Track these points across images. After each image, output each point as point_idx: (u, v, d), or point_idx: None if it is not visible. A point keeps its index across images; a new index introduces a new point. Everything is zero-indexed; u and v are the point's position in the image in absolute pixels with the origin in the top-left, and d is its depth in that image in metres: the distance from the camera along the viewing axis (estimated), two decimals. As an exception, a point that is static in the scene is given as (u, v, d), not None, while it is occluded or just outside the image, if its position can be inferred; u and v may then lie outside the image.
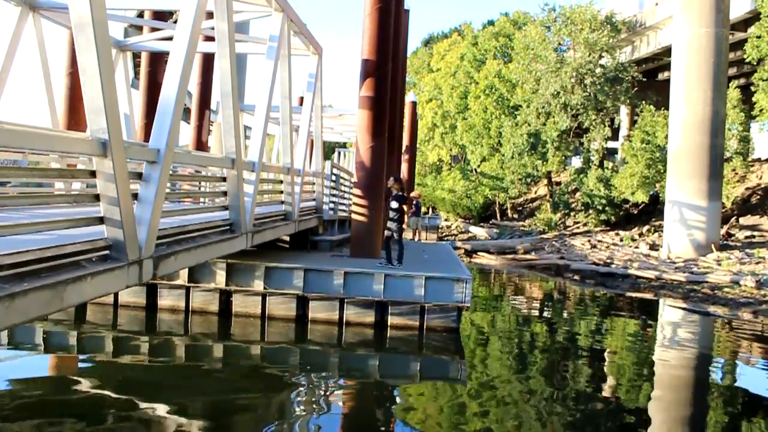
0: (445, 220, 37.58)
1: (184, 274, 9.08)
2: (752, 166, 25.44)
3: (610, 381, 7.66)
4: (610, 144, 33.37)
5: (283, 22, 9.01)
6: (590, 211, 27.41)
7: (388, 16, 10.85)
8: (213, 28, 7.09)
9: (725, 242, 20.58)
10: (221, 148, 7.68)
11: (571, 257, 21.14)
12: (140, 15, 13.95)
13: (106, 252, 4.66)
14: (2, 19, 8.62)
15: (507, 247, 24.02)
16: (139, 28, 15.00)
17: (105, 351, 7.80)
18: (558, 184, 33.91)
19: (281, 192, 10.23)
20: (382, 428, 5.62)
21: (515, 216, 35.45)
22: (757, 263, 17.41)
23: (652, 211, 25.76)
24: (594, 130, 29.40)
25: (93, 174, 4.48)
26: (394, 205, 9.76)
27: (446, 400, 6.50)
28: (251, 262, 9.06)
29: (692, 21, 19.92)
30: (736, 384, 7.87)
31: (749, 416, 6.44)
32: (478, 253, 23.71)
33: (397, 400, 6.51)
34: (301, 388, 6.63)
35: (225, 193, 7.48)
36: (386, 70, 10.92)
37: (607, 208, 26.45)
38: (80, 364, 7.24)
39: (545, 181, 33.59)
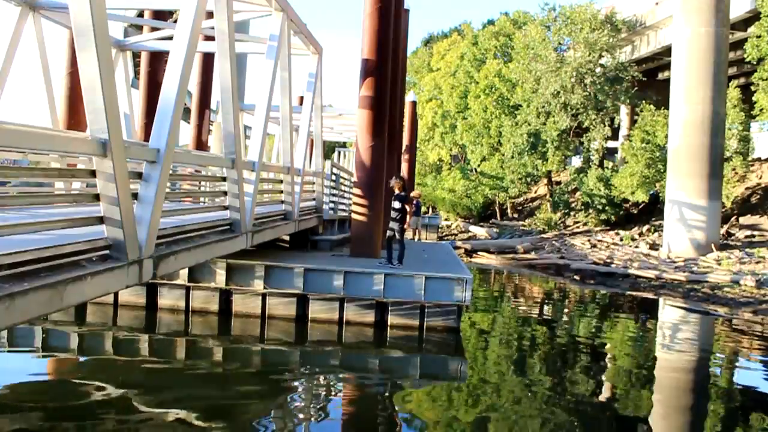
0: (445, 219, 37.59)
1: (184, 273, 9.08)
2: (752, 165, 25.43)
3: (610, 380, 7.67)
4: (610, 144, 33.36)
5: (283, 22, 9.01)
6: (590, 211, 27.41)
7: (388, 16, 10.85)
8: (213, 28, 7.09)
9: (725, 242, 20.58)
10: (221, 147, 7.69)
11: (571, 257, 21.14)
12: (140, 15, 13.95)
13: (106, 252, 4.66)
14: (2, 19, 8.63)
15: (507, 247, 24.02)
16: (139, 28, 15.01)
17: (105, 351, 7.81)
18: (558, 183, 33.91)
19: (281, 192, 10.23)
20: (382, 428, 5.62)
21: (515, 215, 35.45)
22: (757, 263, 17.41)
23: (652, 211, 25.76)
24: (594, 129, 29.40)
25: (93, 174, 4.48)
26: (396, 205, 9.75)
27: (446, 400, 6.50)
28: (251, 262, 9.06)
29: (692, 21, 19.91)
30: (735, 383, 7.87)
31: (749, 416, 6.44)
32: (478, 252, 23.71)
33: (397, 399, 6.51)
34: (301, 388, 6.64)
35: (225, 193, 7.49)
36: (386, 70, 10.92)
37: (607, 208, 26.44)
38: (80, 364, 7.24)
39: (545, 181, 33.60)
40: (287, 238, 11.71)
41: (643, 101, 26.93)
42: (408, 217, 9.79)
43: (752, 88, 21.81)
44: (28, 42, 8.45)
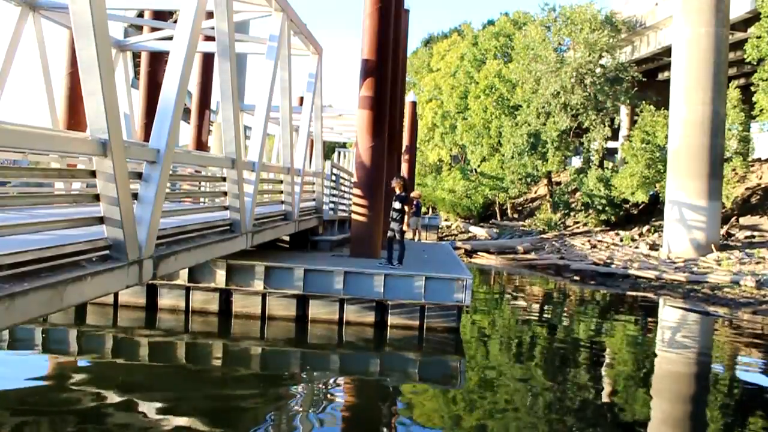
0: (445, 220, 37.58)
1: (184, 274, 9.08)
2: (752, 166, 25.44)
3: (610, 381, 7.66)
4: (610, 144, 33.38)
5: (283, 22, 9.01)
6: (590, 211, 27.41)
7: (388, 16, 10.85)
8: (213, 28, 7.09)
9: (725, 242, 20.58)
10: (221, 148, 7.68)
11: (571, 257, 21.14)
12: (140, 15, 13.95)
13: (106, 252, 4.66)
14: (2, 19, 8.63)
15: (507, 247, 24.02)
16: (139, 28, 15.00)
17: (105, 351, 7.80)
18: (558, 184, 33.91)
19: (281, 192, 10.23)
20: (382, 428, 5.62)
21: (515, 216, 35.45)
22: (757, 263, 17.41)
23: (652, 211, 25.76)
24: (594, 130, 29.41)
25: (93, 174, 4.48)
26: (396, 205, 9.75)
27: (446, 400, 6.50)
28: (251, 262, 9.05)
29: (692, 21, 19.92)
30: (736, 383, 7.87)
31: (749, 416, 6.44)
32: (478, 253, 23.71)
33: (397, 399, 6.51)
34: (301, 388, 6.63)
35: (225, 193, 7.48)
36: (386, 70, 10.92)
37: (607, 208, 26.45)
38: (80, 364, 7.23)
39: (545, 181, 33.60)
40: (287, 238, 11.71)
41: (643, 101, 26.94)
42: (407, 217, 9.77)
43: (752, 88, 21.81)
44: (28, 42, 8.45)
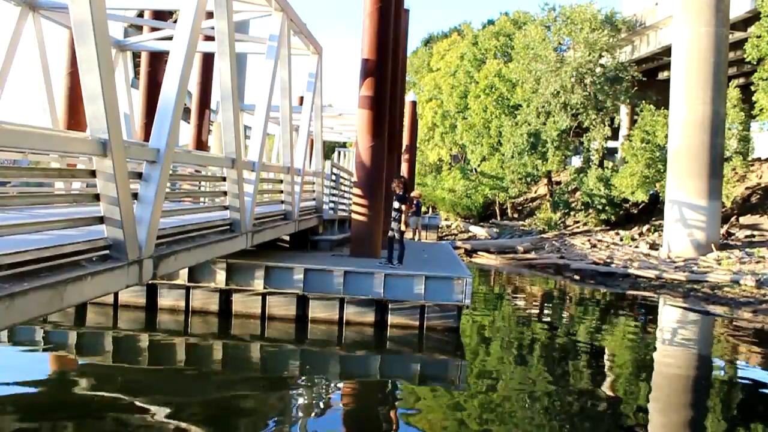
0: (445, 219, 37.58)
1: (184, 273, 9.08)
2: (752, 165, 25.44)
3: (610, 380, 7.67)
4: (610, 144, 33.38)
5: (283, 22, 9.01)
6: (590, 211, 27.41)
7: (388, 16, 10.85)
8: (213, 28, 7.09)
9: (725, 241, 20.58)
10: (221, 147, 7.68)
11: (571, 257, 21.14)
12: (140, 15, 13.94)
13: (106, 252, 4.66)
14: (2, 19, 8.63)
15: (507, 247, 24.02)
16: (139, 28, 14.99)
17: (105, 351, 7.81)
18: (558, 183, 33.92)
19: (281, 192, 10.23)
20: (382, 428, 5.62)
21: (515, 215, 35.45)
22: (757, 262, 17.41)
23: (652, 211, 25.76)
24: (594, 129, 29.41)
25: (93, 174, 4.48)
26: (395, 205, 9.77)
27: (446, 400, 6.50)
28: (251, 262, 9.06)
29: (692, 21, 19.92)
30: (736, 383, 7.87)
31: (749, 416, 6.44)
32: (478, 252, 23.71)
33: (397, 399, 6.52)
34: (301, 388, 6.64)
35: (225, 193, 7.48)
36: (386, 70, 10.92)
37: (607, 208, 26.45)
38: (80, 364, 7.24)
39: (545, 181, 33.60)
40: (287, 238, 11.71)
41: (643, 101, 26.93)
42: (404, 216, 9.74)
43: (752, 88, 21.81)
44: (28, 42, 8.45)
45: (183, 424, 5.24)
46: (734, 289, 14.89)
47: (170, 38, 9.43)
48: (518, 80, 32.97)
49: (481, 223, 34.27)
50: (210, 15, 7.02)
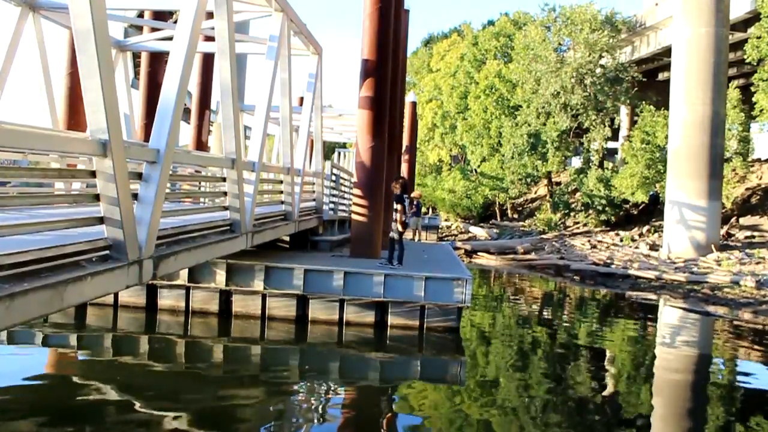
0: (445, 220, 37.58)
1: (184, 274, 9.08)
2: (752, 166, 25.44)
3: (610, 381, 7.66)
4: (610, 144, 33.39)
5: (283, 22, 9.01)
6: (590, 212, 27.42)
7: (388, 16, 10.85)
8: (213, 28, 7.09)
9: (725, 242, 20.58)
10: (221, 148, 7.68)
11: (571, 257, 21.14)
12: (140, 15, 13.94)
13: (106, 252, 4.66)
14: (2, 19, 8.63)
15: (507, 248, 24.02)
16: (139, 28, 15.00)
17: (105, 351, 7.80)
18: (558, 184, 33.92)
19: (281, 192, 10.23)
20: (382, 429, 5.61)
21: (515, 216, 35.45)
22: (757, 263, 17.41)
23: (652, 211, 25.77)
24: (594, 130, 29.42)
25: (93, 174, 4.48)
26: (396, 206, 9.76)
27: (446, 400, 6.49)
28: (251, 262, 9.05)
29: (692, 21, 19.92)
30: (736, 384, 7.87)
31: (749, 416, 6.44)
32: (478, 253, 23.71)
33: (397, 400, 6.51)
34: (301, 389, 6.63)
35: (225, 193, 7.48)
36: (386, 70, 10.92)
37: (607, 209, 26.45)
38: (80, 364, 7.23)
39: (545, 182, 33.60)
40: (287, 238, 11.71)
41: (643, 102, 26.94)
42: (399, 215, 9.68)
43: (752, 88, 21.82)
44: (28, 42, 8.45)
45: (183, 425, 5.24)
46: (734, 289, 14.89)
47: (170, 38, 9.44)
48: (518, 81, 32.97)
49: (481, 224, 34.27)
50: (210, 15, 7.02)
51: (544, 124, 30.49)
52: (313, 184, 12.66)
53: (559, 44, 30.92)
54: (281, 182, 10.22)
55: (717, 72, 19.71)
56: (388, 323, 8.91)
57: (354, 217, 10.98)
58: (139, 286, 8.50)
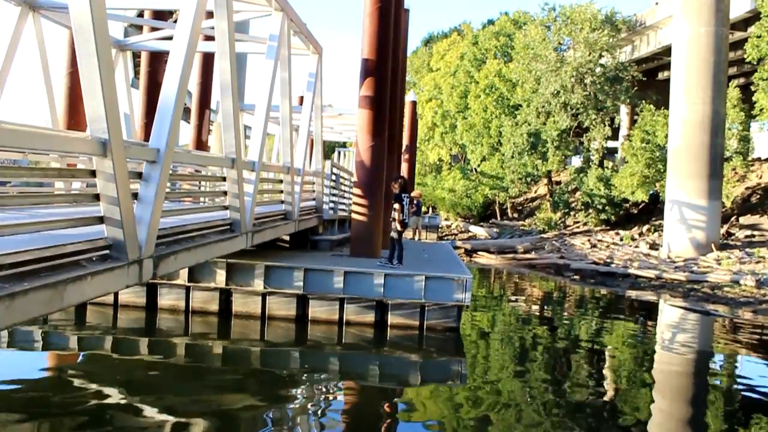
0: (445, 219, 37.58)
1: (184, 273, 9.08)
2: (752, 165, 25.44)
3: (610, 380, 7.67)
4: (610, 143, 33.38)
5: (283, 22, 9.01)
6: (590, 211, 27.42)
7: (388, 16, 10.85)
8: (213, 28, 7.09)
9: (725, 241, 20.58)
10: (221, 147, 7.68)
11: (571, 257, 21.14)
12: (140, 15, 13.95)
13: (106, 252, 4.66)
14: (2, 19, 8.63)
15: (507, 247, 24.02)
16: (139, 28, 15.00)
17: (105, 351, 7.80)
18: (558, 183, 33.92)
19: (281, 191, 10.23)
20: (382, 429, 5.62)
21: (515, 215, 35.45)
22: (757, 262, 17.41)
23: (652, 211, 25.77)
24: (594, 129, 29.42)
25: (93, 174, 4.48)
26: (394, 205, 9.78)
27: (446, 400, 6.50)
28: (251, 262, 9.06)
29: (692, 20, 19.92)
30: (736, 383, 7.87)
31: (749, 416, 6.44)
32: (478, 252, 23.71)
33: (397, 400, 6.52)
34: (301, 389, 6.64)
35: (225, 193, 7.48)
36: (386, 70, 10.92)
37: (607, 208, 26.45)
38: (80, 364, 7.24)
39: (545, 181, 33.60)
40: (287, 238, 11.71)
41: (643, 101, 26.94)
42: (397, 214, 9.70)
43: (752, 88, 21.82)
44: (28, 42, 8.45)
45: (183, 424, 5.24)
46: (734, 289, 14.90)
47: (170, 38, 9.44)
48: (518, 80, 32.98)
49: (481, 223, 34.28)
50: (210, 15, 7.02)
51: (544, 124, 30.49)
52: (313, 183, 12.66)
53: (559, 43, 30.92)
54: (281, 182, 10.22)
55: (717, 71, 19.71)
56: (388, 323, 8.91)
57: (354, 216, 10.99)
58: (139, 286, 8.52)
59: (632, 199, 25.22)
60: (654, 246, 21.62)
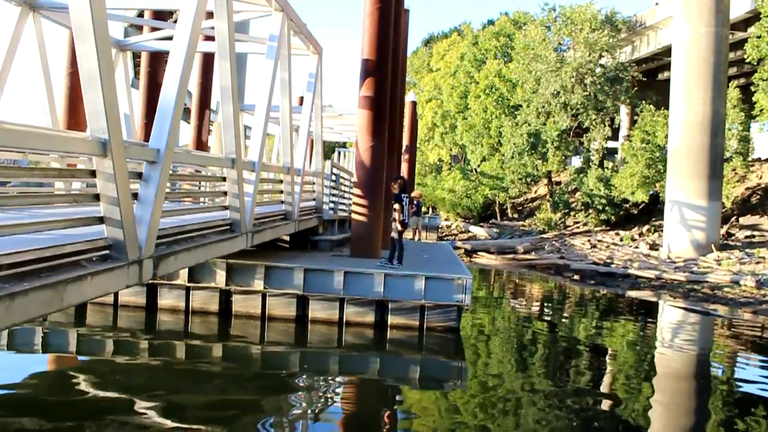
0: (445, 219, 37.59)
1: (184, 274, 9.08)
2: (752, 165, 25.45)
3: (611, 381, 7.66)
4: (610, 144, 33.41)
5: (283, 22, 9.01)
6: (590, 211, 27.42)
7: (388, 16, 10.85)
8: (213, 28, 7.09)
9: (725, 242, 20.59)
10: (221, 147, 7.68)
11: (571, 257, 21.14)
12: (140, 15, 13.95)
13: (106, 252, 4.66)
14: (2, 19, 8.63)
15: (507, 247, 24.02)
16: (139, 28, 15.00)
17: (105, 351, 7.80)
18: (558, 183, 33.93)
19: (281, 192, 10.23)
20: (382, 429, 5.62)
21: (515, 216, 35.45)
22: (757, 263, 17.41)
23: (652, 211, 25.77)
24: (594, 129, 29.43)
25: (93, 174, 4.48)
26: (394, 205, 9.78)
27: (446, 400, 6.50)
28: (251, 262, 9.05)
29: (692, 21, 19.92)
30: (735, 383, 7.87)
31: (749, 416, 6.44)
32: (478, 252, 23.71)
33: (397, 400, 6.51)
34: (301, 389, 6.63)
35: (225, 193, 7.48)
36: (386, 70, 10.92)
37: (607, 208, 26.46)
38: (80, 364, 7.24)
39: (545, 181, 33.61)
40: (287, 238, 11.71)
41: (643, 101, 26.95)
42: (398, 215, 9.70)
43: (752, 88, 21.83)
44: (28, 42, 8.45)
45: (183, 424, 5.24)
46: (734, 289, 14.89)
47: (170, 38, 9.44)
48: (518, 80, 32.99)
49: (481, 224, 34.29)
50: (210, 15, 7.02)
51: (544, 124, 30.50)
52: (313, 183, 12.66)
53: (559, 44, 30.95)
54: (281, 182, 10.22)
55: (717, 72, 19.71)
56: (388, 323, 8.91)
57: (354, 216, 10.98)
58: (139, 286, 8.51)
59: (632, 200, 25.23)
60: (654, 246, 21.62)
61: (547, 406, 6.28)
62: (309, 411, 5.87)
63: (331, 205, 13.32)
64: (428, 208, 41.11)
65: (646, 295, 14.90)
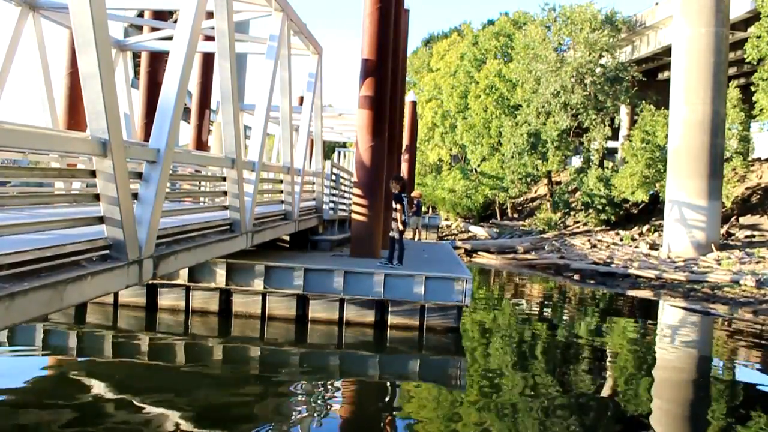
0: (445, 219, 37.60)
1: (184, 273, 9.08)
2: (752, 165, 25.45)
3: (611, 380, 7.67)
4: (610, 144, 33.40)
5: (283, 22, 9.01)
6: (590, 211, 27.42)
7: (388, 16, 10.85)
8: (213, 28, 7.09)
9: (725, 242, 20.59)
10: (221, 147, 7.68)
11: (571, 257, 21.14)
12: (140, 15, 13.96)
13: (106, 252, 4.66)
14: (2, 19, 8.63)
15: (507, 247, 24.03)
16: (139, 28, 15.02)
17: (105, 351, 7.81)
18: (558, 183, 33.93)
19: (281, 192, 10.23)
20: (382, 429, 5.62)
21: (515, 216, 35.45)
22: (757, 263, 17.41)
23: (652, 211, 25.77)
24: (594, 129, 29.43)
25: (93, 174, 4.48)
26: (395, 205, 9.77)
27: (446, 400, 6.50)
28: (251, 262, 9.05)
29: (692, 21, 19.93)
30: (735, 383, 7.87)
31: (749, 415, 6.44)
32: (478, 252, 23.72)
33: (397, 400, 6.51)
34: (301, 389, 6.63)
35: (225, 193, 7.48)
36: (386, 70, 10.92)
37: (607, 208, 26.46)
38: (80, 364, 7.23)
39: (545, 181, 33.61)
40: (287, 238, 11.71)
41: (643, 101, 26.95)
42: (399, 215, 9.71)
43: (752, 88, 21.84)
44: (28, 42, 8.45)
45: (183, 424, 5.24)
46: (734, 289, 14.89)
47: (170, 38, 9.44)
48: (518, 80, 32.99)
49: (481, 223, 34.29)
50: (210, 15, 7.02)
51: (544, 124, 30.50)
52: (313, 183, 12.66)
53: (559, 44, 30.94)
54: (281, 182, 10.22)
55: (717, 71, 19.72)
56: (388, 323, 8.91)
57: (354, 216, 10.98)
58: (139, 286, 8.51)
59: (632, 200, 25.23)
60: (654, 246, 21.62)
61: (547, 406, 6.28)
62: (309, 411, 5.87)
63: (331, 205, 13.32)
64: (428, 208, 41.10)
65: (646, 294, 14.90)
